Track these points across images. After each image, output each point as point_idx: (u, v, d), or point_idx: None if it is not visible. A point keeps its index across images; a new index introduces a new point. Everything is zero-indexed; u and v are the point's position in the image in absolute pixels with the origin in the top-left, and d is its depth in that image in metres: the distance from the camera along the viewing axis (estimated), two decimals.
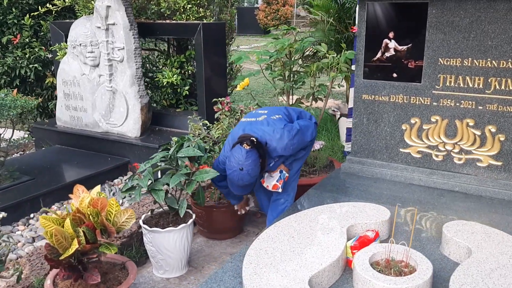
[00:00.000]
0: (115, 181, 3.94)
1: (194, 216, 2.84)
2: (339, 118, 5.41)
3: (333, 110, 5.70)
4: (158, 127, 4.41)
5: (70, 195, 2.38)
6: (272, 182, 2.87)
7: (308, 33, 5.34)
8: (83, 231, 2.11)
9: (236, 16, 8.42)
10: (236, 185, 2.63)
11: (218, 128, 3.07)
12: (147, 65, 5.03)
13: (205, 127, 3.18)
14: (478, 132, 2.94)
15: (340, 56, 3.35)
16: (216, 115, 3.16)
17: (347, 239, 2.24)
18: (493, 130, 2.89)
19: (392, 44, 3.10)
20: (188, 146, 2.74)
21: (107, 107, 4.21)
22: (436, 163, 3.11)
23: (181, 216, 2.69)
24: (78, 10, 4.74)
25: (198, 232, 3.33)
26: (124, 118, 4.13)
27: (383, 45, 3.13)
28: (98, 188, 2.42)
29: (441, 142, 3.07)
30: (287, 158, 2.85)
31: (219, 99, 3.12)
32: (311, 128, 2.88)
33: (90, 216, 2.14)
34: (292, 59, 3.47)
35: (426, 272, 1.92)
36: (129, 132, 4.14)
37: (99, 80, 4.21)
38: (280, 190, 2.86)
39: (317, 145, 5.03)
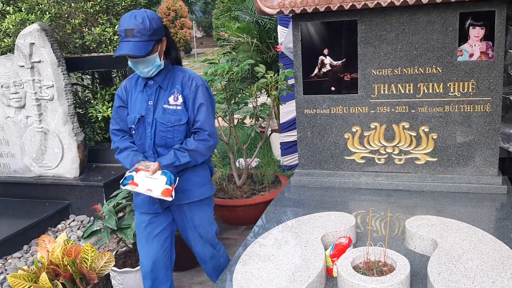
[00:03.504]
0: (58, 226, 3.71)
1: None
2: (270, 134, 5.57)
3: (262, 127, 5.85)
4: (95, 164, 4.23)
5: (35, 248, 2.22)
6: (158, 187, 2.16)
7: (232, 55, 5.46)
8: (62, 283, 1.99)
9: None
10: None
11: None
12: (75, 100, 4.82)
13: None
14: (413, 133, 3.23)
15: (279, 75, 3.49)
16: None
17: (324, 248, 2.34)
18: (426, 130, 3.19)
19: (328, 60, 3.30)
20: None
21: (38, 150, 3.96)
22: (379, 166, 3.35)
23: None
24: None
25: None
26: (59, 159, 3.91)
27: (319, 61, 3.32)
28: (64, 235, 2.29)
29: (382, 146, 3.31)
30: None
31: None
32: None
33: (68, 266, 2.02)
34: (235, 81, 3.54)
35: (405, 268, 2.07)
36: (67, 173, 3.93)
37: (26, 121, 3.96)
38: (171, 198, 2.19)
39: (253, 162, 5.15)
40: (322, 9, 3.08)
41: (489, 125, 3.06)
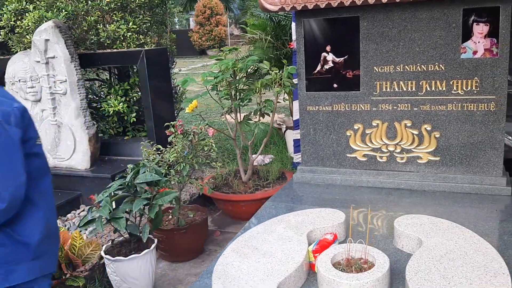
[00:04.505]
0: (68, 216, 3.85)
1: (156, 240, 2.85)
2: (285, 131, 5.58)
3: (278, 124, 5.87)
4: (108, 157, 4.36)
5: None
6: None
7: (248, 51, 5.50)
8: None
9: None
10: None
11: (172, 152, 3.11)
12: (90, 95, 4.99)
13: (158, 152, 3.21)
14: (415, 132, 3.17)
15: (283, 72, 3.51)
16: (169, 139, 3.20)
17: (308, 244, 2.35)
18: (429, 128, 3.13)
19: (330, 57, 3.29)
20: (145, 172, 2.76)
21: (52, 142, 4.13)
22: (381, 164, 3.31)
23: (144, 242, 2.69)
24: (12, 46, 4.63)
25: (160, 257, 3.32)
26: (72, 151, 4.06)
27: (322, 58, 3.32)
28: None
29: (384, 144, 3.27)
30: None
31: (171, 122, 3.17)
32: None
33: None
34: (237, 78, 3.58)
35: (384, 266, 2.05)
36: (78, 165, 4.08)
37: (42, 115, 4.13)
38: None
39: (267, 159, 5.17)
40: (322, 6, 3.07)
41: (493, 124, 2.97)
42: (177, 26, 28.79)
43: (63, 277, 2.11)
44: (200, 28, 22.66)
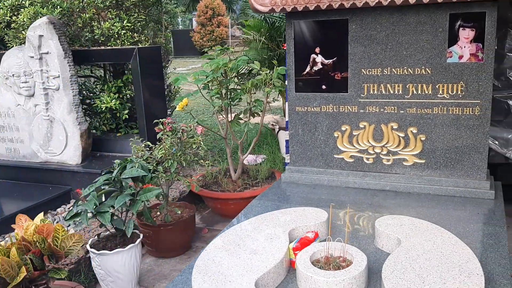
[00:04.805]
0: (58, 210, 3.89)
1: (141, 236, 2.89)
2: (278, 132, 5.62)
3: (272, 124, 5.91)
4: (99, 153, 4.41)
5: (12, 226, 2.37)
6: None
7: (243, 52, 5.54)
8: (30, 259, 2.12)
9: (171, 39, 8.55)
10: None
11: (160, 148, 3.15)
12: (84, 91, 5.03)
13: (148, 148, 3.25)
14: (401, 134, 3.21)
15: (273, 72, 3.55)
16: (158, 136, 3.24)
17: (289, 241, 2.39)
18: (415, 131, 3.17)
19: (319, 58, 3.33)
20: (132, 167, 2.80)
21: (45, 136, 4.16)
22: (367, 166, 3.35)
23: (129, 236, 2.73)
24: (8, 41, 4.67)
25: (146, 252, 3.36)
26: (63, 146, 4.10)
27: (311, 60, 3.35)
28: (41, 215, 2.43)
29: (370, 145, 3.31)
30: None
31: (160, 120, 3.21)
32: None
33: (37, 243, 2.15)
34: (228, 77, 3.62)
35: (361, 264, 2.09)
36: (69, 160, 4.12)
37: (35, 109, 4.17)
38: None
39: (259, 159, 5.21)
40: (312, 8, 3.11)
41: (477, 128, 3.01)
42: (180, 26, 28.83)
43: (45, 268, 2.14)
44: (201, 29, 22.68)
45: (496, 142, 3.57)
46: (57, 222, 3.67)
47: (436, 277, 1.98)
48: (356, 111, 3.30)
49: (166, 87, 4.80)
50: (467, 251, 2.20)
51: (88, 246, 2.77)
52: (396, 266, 2.08)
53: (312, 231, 2.48)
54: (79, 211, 2.65)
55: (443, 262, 2.09)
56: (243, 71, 4.91)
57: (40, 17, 4.02)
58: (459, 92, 3.01)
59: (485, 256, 2.29)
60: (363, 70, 3.21)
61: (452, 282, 1.94)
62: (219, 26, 23.15)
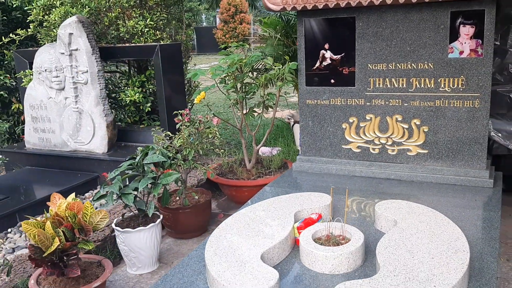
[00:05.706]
0: (86, 194, 4.20)
1: (161, 216, 3.15)
2: (293, 125, 5.84)
3: (288, 118, 6.12)
4: (124, 143, 4.71)
5: (47, 203, 2.66)
6: None
7: (260, 48, 5.77)
8: (62, 231, 2.40)
9: (194, 36, 8.81)
10: None
11: (179, 138, 3.41)
12: (110, 86, 5.34)
13: (168, 138, 3.52)
14: (405, 126, 3.39)
15: (285, 67, 3.77)
16: (177, 126, 3.50)
17: (295, 222, 2.61)
18: (418, 123, 3.35)
19: (328, 54, 3.54)
20: (153, 154, 3.06)
21: (74, 127, 4.48)
22: (373, 156, 3.54)
23: (150, 217, 3.00)
24: (41, 38, 5.01)
25: (166, 234, 3.63)
26: (91, 136, 4.42)
27: (321, 55, 3.56)
28: (73, 195, 2.71)
29: (376, 136, 3.50)
30: None
31: (179, 111, 3.47)
32: None
33: (69, 218, 2.44)
34: (243, 72, 3.86)
35: (358, 241, 2.30)
36: (96, 149, 4.43)
37: (65, 102, 4.49)
38: None
39: (274, 151, 5.44)
40: (320, 6, 3.32)
41: (477, 120, 3.18)
42: (204, 23, 29.15)
43: (76, 240, 2.42)
44: (224, 26, 22.98)
45: (500, 135, 3.71)
46: None
47: (425, 252, 2.18)
48: (363, 104, 3.49)
49: (186, 82, 5.06)
50: (457, 231, 2.39)
51: (113, 225, 3.06)
52: (390, 243, 2.29)
53: (316, 213, 2.70)
54: (105, 193, 2.93)
55: (433, 240, 2.29)
56: (259, 67, 5.13)
57: (70, 16, 4.33)
58: (459, 86, 3.17)
59: (477, 237, 2.48)
60: (369, 65, 3.41)
61: (439, 257, 2.13)
62: (241, 23, 23.40)
